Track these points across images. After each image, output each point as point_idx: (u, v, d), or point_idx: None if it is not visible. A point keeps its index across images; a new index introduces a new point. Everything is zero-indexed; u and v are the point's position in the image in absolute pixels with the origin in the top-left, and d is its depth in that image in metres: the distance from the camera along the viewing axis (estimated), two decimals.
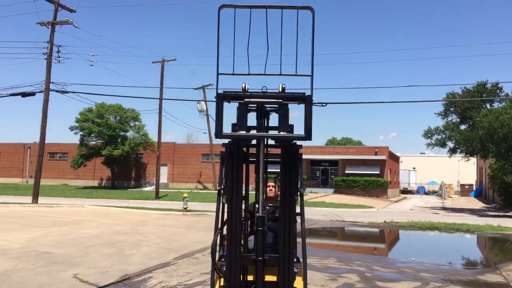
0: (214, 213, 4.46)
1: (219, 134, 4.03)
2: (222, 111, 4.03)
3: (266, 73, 4.37)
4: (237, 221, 4.23)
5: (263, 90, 4.22)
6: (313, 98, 4.02)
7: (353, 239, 17.64)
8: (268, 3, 4.17)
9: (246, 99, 4.06)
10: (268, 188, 5.06)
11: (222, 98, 4.06)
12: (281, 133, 4.06)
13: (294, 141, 4.21)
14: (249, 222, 4.91)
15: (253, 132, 4.28)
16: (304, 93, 4.07)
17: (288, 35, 4.28)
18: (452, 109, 35.58)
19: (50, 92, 26.30)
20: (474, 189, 59.68)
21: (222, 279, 4.46)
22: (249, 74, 4.31)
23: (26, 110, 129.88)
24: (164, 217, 20.29)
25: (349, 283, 8.53)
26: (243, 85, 4.19)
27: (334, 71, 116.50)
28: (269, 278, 4.29)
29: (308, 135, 3.96)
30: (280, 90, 4.21)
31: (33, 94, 26.12)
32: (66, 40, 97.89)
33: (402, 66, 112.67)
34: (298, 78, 4.42)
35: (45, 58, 26.67)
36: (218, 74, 4.29)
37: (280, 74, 4.37)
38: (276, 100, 4.10)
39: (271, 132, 4.33)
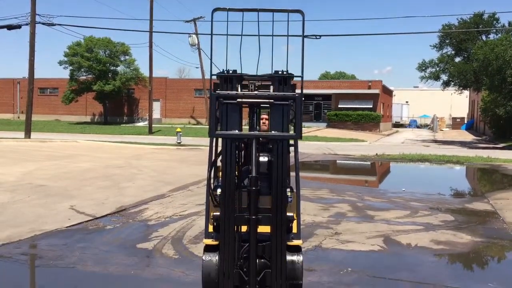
0: (207, 148, 4.50)
1: (212, 133, 4.19)
2: (216, 111, 4.16)
3: (258, 75, 4.60)
4: (232, 155, 4.31)
5: (254, 92, 4.47)
6: (303, 99, 4.19)
7: (345, 171, 17.93)
8: (261, 6, 4.34)
9: (238, 99, 4.20)
10: (261, 121, 5.06)
11: (216, 98, 4.18)
12: (273, 132, 4.23)
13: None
14: (242, 153, 4.96)
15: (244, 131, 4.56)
16: (295, 93, 4.21)
17: (281, 35, 4.57)
18: (447, 41, 35.15)
19: (36, 24, 25.50)
20: (466, 122, 60.21)
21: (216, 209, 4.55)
22: (241, 74, 4.47)
23: (14, 44, 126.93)
24: (158, 152, 20.41)
25: (341, 212, 8.75)
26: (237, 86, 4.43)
27: (328, 2, 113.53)
28: (263, 229, 4.42)
29: (298, 134, 4.13)
30: (272, 90, 4.43)
31: (19, 26, 25.34)
32: None
33: None
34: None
35: None
36: (211, 74, 4.48)
37: (272, 74, 4.55)
38: (267, 100, 4.27)
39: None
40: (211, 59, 4.58)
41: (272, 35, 4.51)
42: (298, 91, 4.56)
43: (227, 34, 4.56)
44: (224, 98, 4.22)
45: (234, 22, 4.57)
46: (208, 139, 4.55)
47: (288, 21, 4.45)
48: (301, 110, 4.14)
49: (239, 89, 4.70)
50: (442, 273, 5.55)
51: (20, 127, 31.51)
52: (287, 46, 4.52)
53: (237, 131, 4.39)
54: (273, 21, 4.49)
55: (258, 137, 4.43)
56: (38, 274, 5.50)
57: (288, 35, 4.49)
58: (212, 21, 4.40)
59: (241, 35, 4.47)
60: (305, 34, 4.35)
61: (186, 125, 44.13)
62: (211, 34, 4.48)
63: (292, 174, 4.81)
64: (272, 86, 4.58)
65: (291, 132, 4.29)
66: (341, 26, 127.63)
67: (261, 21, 4.43)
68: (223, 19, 4.52)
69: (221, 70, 4.54)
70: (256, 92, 4.55)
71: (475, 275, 5.87)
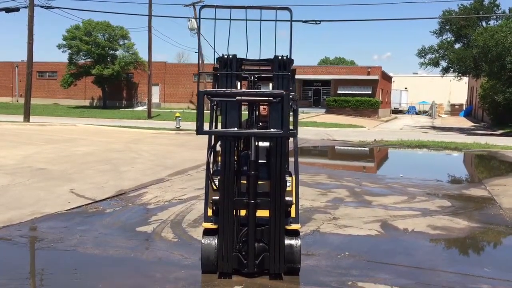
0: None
1: (200, 130, 4.12)
2: (203, 108, 4.11)
3: (245, 71, 4.60)
4: (230, 147, 4.40)
5: (243, 89, 4.57)
6: (290, 97, 4.20)
7: (343, 157, 17.98)
8: (249, 3, 4.38)
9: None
10: (262, 107, 5.08)
11: (204, 94, 4.14)
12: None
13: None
14: (241, 140, 4.99)
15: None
16: (282, 91, 4.20)
17: (269, 32, 4.57)
18: (447, 27, 35.06)
19: (34, 7, 25.31)
20: (464, 109, 60.19)
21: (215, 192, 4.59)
22: (231, 72, 4.44)
23: (13, 27, 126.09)
24: (157, 136, 20.43)
25: (339, 197, 8.81)
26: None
27: None
28: (261, 213, 4.46)
29: (286, 131, 4.17)
30: (272, 77, 4.52)
31: (17, 9, 25.14)
32: None
33: None
34: None
35: None
36: (199, 72, 4.55)
37: (259, 71, 4.63)
38: (255, 98, 4.32)
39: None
40: (198, 57, 4.62)
41: (260, 31, 4.49)
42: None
43: (214, 33, 4.53)
44: (213, 96, 4.22)
45: (233, 12, 4.51)
46: (207, 124, 4.56)
47: (276, 20, 4.43)
48: (288, 108, 4.15)
49: (239, 85, 4.71)
50: (438, 258, 5.62)
51: (19, 110, 31.46)
52: (275, 41, 4.50)
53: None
54: (260, 20, 4.46)
55: (253, 135, 4.43)
56: (38, 256, 5.56)
57: (275, 33, 4.48)
58: (199, 18, 4.41)
59: (229, 33, 4.45)
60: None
61: (185, 110, 44.05)
62: (198, 32, 4.51)
63: (291, 159, 4.86)
64: (273, 81, 4.59)
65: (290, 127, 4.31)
66: (341, 11, 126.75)
67: (249, 20, 4.41)
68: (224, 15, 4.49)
69: (221, 55, 4.53)
70: (244, 89, 4.58)
71: (471, 260, 5.94)
